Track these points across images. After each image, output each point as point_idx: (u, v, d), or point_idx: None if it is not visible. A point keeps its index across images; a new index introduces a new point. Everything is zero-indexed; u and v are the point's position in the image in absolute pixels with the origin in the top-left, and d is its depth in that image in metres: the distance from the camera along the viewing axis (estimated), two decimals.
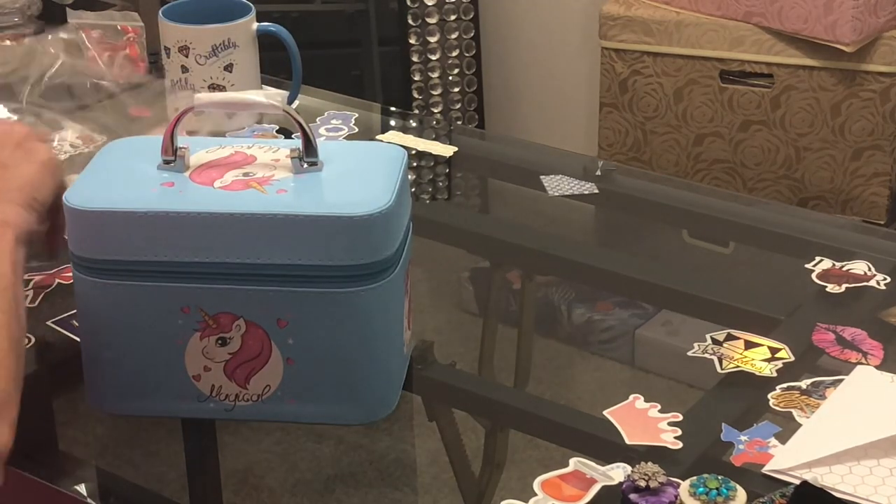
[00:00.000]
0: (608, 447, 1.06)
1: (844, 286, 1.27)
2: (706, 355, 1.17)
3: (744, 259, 1.45)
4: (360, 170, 1.07)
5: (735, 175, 2.51)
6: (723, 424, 1.07)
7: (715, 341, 1.19)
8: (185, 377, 1.06)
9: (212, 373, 1.06)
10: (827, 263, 1.31)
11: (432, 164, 1.56)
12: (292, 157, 1.07)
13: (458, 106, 2.93)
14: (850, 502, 0.98)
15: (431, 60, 2.89)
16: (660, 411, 1.10)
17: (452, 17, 2.88)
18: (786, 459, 1.02)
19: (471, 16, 2.89)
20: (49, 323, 1.23)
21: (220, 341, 1.04)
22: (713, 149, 2.51)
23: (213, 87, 1.53)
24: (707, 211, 1.50)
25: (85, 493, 1.03)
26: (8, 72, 1.61)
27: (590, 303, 1.33)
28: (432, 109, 2.90)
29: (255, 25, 1.55)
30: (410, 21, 2.86)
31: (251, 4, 1.56)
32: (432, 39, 2.88)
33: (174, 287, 1.03)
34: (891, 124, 2.37)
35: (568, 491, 1.01)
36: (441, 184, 1.58)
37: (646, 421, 1.08)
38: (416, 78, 2.89)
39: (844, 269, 1.30)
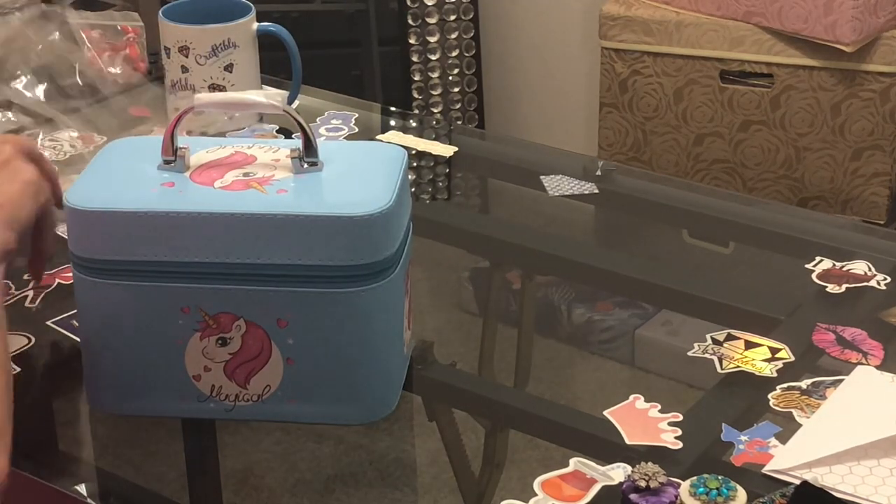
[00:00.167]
0: (608, 447, 1.06)
1: (844, 286, 1.27)
2: (706, 355, 1.17)
3: (744, 259, 1.45)
4: (360, 170, 1.07)
5: (735, 175, 2.51)
6: (723, 424, 1.07)
7: (715, 341, 1.19)
8: (185, 377, 1.06)
9: (212, 373, 1.06)
10: (827, 263, 1.31)
11: (432, 164, 1.56)
12: (292, 158, 1.07)
13: (458, 106, 2.93)
14: (851, 502, 0.98)
15: (431, 60, 2.89)
16: (660, 411, 1.10)
17: (452, 17, 2.88)
18: (786, 459, 1.02)
19: (471, 16, 2.89)
20: (49, 323, 1.23)
21: (220, 341, 1.04)
22: (713, 149, 2.51)
23: (213, 87, 1.53)
24: (707, 211, 1.50)
25: (85, 493, 1.03)
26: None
27: (590, 303, 1.33)
28: (432, 109, 2.90)
29: (255, 25, 1.55)
30: (410, 21, 2.86)
31: (251, 4, 1.56)
32: (432, 39, 2.88)
33: (174, 287, 1.03)
34: (891, 124, 2.37)
35: (568, 491, 1.01)
36: (441, 184, 1.58)
37: (646, 421, 1.08)
38: (416, 78, 2.89)
39: (844, 269, 1.30)
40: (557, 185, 1.48)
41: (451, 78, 2.91)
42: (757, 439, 1.06)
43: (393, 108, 1.75)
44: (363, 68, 2.92)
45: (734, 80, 2.46)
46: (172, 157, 1.07)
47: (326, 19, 2.94)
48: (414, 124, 1.68)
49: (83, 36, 1.66)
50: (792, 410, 1.09)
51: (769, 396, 1.11)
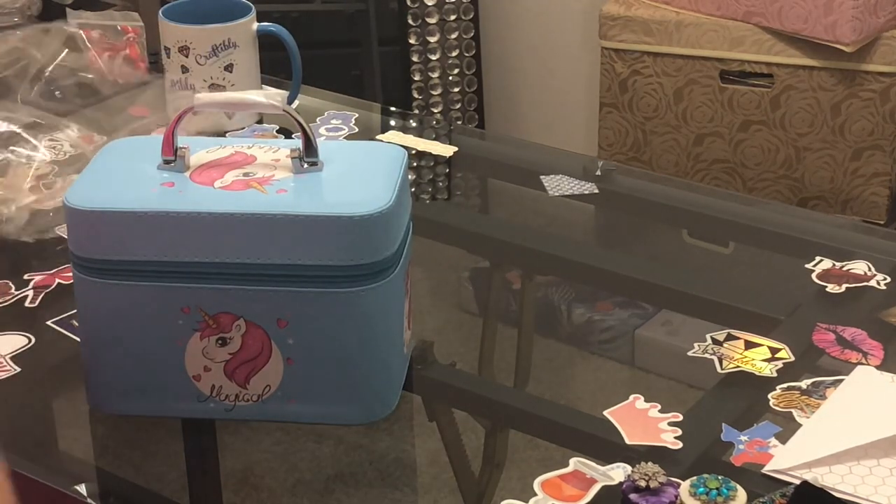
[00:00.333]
0: (608, 447, 1.06)
1: (844, 286, 1.27)
2: (706, 355, 1.17)
3: (744, 259, 1.45)
4: (360, 170, 1.07)
5: (735, 175, 2.51)
6: (723, 424, 1.07)
7: (715, 341, 1.19)
8: (185, 377, 1.06)
9: (212, 373, 1.06)
10: (827, 263, 1.31)
11: (432, 164, 1.56)
12: (292, 157, 1.07)
13: (458, 106, 2.93)
14: (850, 502, 0.98)
15: (431, 60, 2.89)
16: (660, 411, 1.10)
17: (452, 17, 2.88)
18: (786, 459, 1.02)
19: (471, 16, 2.89)
20: (49, 323, 1.23)
21: (220, 341, 1.04)
22: (713, 149, 2.51)
23: (213, 87, 1.53)
24: (707, 211, 1.50)
25: (85, 493, 1.03)
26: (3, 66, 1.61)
27: (590, 303, 1.33)
28: (432, 109, 2.90)
29: (255, 25, 1.55)
30: (410, 21, 2.86)
31: (251, 4, 1.56)
32: (432, 39, 2.88)
33: (174, 287, 1.03)
34: (891, 124, 2.37)
35: (568, 491, 1.01)
36: (441, 184, 1.58)
37: (646, 421, 1.08)
38: (416, 78, 2.89)
39: (844, 269, 1.30)
40: (557, 185, 1.48)
41: (451, 78, 2.90)
42: (757, 439, 1.06)
43: (393, 108, 1.75)
44: (363, 68, 2.92)
45: (734, 80, 2.46)
46: (172, 156, 1.07)
47: (326, 19, 2.94)
48: (414, 124, 1.68)
49: (83, 36, 1.66)
50: (792, 410, 1.09)
51: (769, 396, 1.11)
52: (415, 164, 1.55)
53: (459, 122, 2.89)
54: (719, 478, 0.98)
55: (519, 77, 3.04)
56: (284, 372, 1.05)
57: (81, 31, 1.66)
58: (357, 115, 1.63)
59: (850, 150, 2.41)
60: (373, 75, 2.90)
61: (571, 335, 1.30)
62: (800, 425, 1.07)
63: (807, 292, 1.27)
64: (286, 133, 1.55)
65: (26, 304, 1.26)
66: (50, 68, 1.61)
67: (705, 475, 0.98)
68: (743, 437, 1.06)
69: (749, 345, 1.18)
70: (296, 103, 1.57)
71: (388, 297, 1.05)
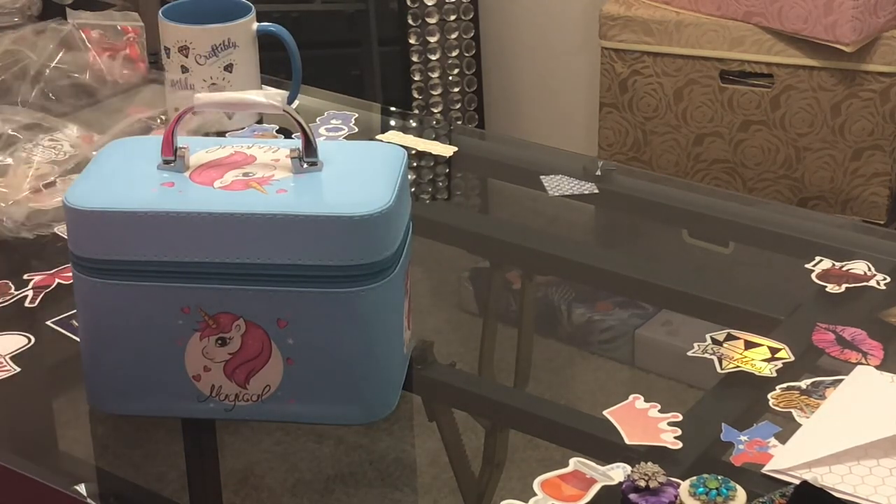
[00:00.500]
0: (608, 447, 1.06)
1: (844, 286, 1.27)
2: (706, 355, 1.17)
3: (744, 259, 1.45)
4: (360, 170, 1.07)
5: (735, 175, 2.51)
6: (723, 424, 1.07)
7: (715, 341, 1.19)
8: (184, 377, 1.06)
9: (212, 373, 1.06)
10: (827, 263, 1.31)
11: (432, 164, 1.56)
12: (292, 157, 1.07)
13: (458, 106, 2.93)
14: (850, 502, 0.98)
15: (431, 60, 2.89)
16: (660, 411, 1.10)
17: (452, 17, 2.88)
18: (786, 459, 1.02)
19: (471, 16, 2.89)
20: (49, 323, 1.23)
21: (219, 341, 1.04)
22: (713, 149, 2.51)
23: (213, 87, 1.53)
24: (707, 211, 1.50)
25: (85, 493, 1.03)
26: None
27: (590, 303, 1.33)
28: (432, 109, 2.90)
29: (255, 25, 1.55)
30: (410, 21, 2.86)
31: (251, 4, 1.56)
32: (432, 39, 2.88)
33: (174, 287, 1.03)
34: (891, 124, 2.37)
35: (568, 491, 1.01)
36: (441, 184, 1.58)
37: (646, 421, 1.08)
38: (416, 78, 2.89)
39: (844, 269, 1.30)
40: (557, 185, 1.48)
41: (451, 78, 2.90)
42: (757, 439, 1.06)
43: (393, 108, 1.75)
44: (363, 68, 2.92)
45: (734, 80, 2.46)
46: (172, 156, 1.07)
47: (326, 19, 2.94)
48: (414, 124, 1.68)
49: (83, 36, 1.66)
50: (792, 410, 1.09)
51: (769, 396, 1.11)
52: (415, 164, 1.55)
53: (459, 122, 2.89)
54: (719, 478, 0.98)
55: (519, 77, 3.04)
56: (284, 372, 1.05)
57: (81, 31, 1.66)
58: (357, 115, 1.63)
59: (850, 150, 2.41)
60: (373, 75, 2.90)
61: (571, 335, 1.30)
62: (800, 425, 1.07)
63: (807, 292, 1.27)
64: (286, 133, 1.55)
65: (26, 304, 1.26)
66: (49, 69, 1.61)
67: (705, 475, 0.98)
68: (743, 437, 1.06)
69: (749, 345, 1.18)
70: (296, 103, 1.57)
71: (388, 297, 1.05)
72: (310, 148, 1.07)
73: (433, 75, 2.89)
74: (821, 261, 1.31)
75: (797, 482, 0.97)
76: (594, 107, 2.71)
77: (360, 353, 1.04)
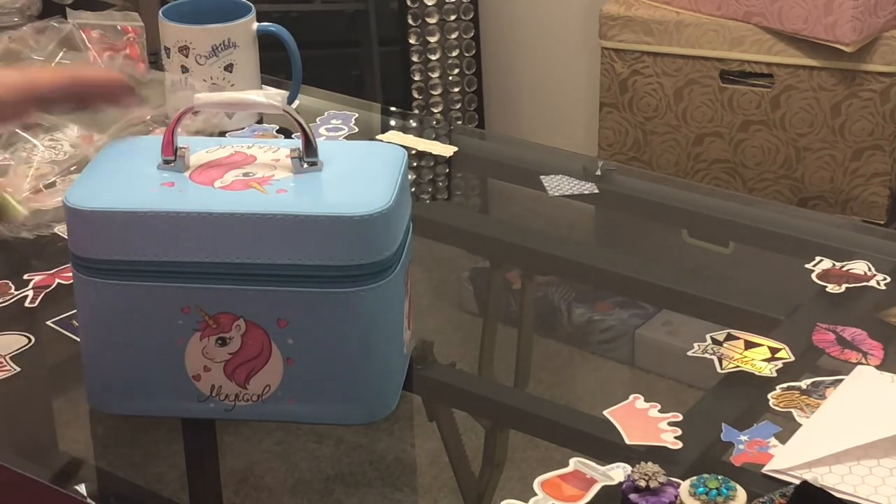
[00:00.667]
0: (608, 447, 1.06)
1: (844, 286, 1.27)
2: (706, 355, 1.17)
3: (744, 259, 1.45)
4: (360, 170, 1.07)
5: (735, 175, 2.51)
6: (723, 424, 1.07)
7: (715, 341, 1.19)
8: (184, 377, 1.06)
9: (212, 373, 1.06)
10: (827, 263, 1.31)
11: (432, 164, 1.56)
12: (292, 157, 1.07)
13: (458, 106, 2.93)
14: (850, 502, 0.98)
15: (431, 60, 2.89)
16: (660, 411, 1.10)
17: (452, 17, 2.88)
18: (786, 459, 1.02)
19: (471, 16, 2.89)
20: (49, 323, 1.23)
21: (220, 341, 1.04)
22: (713, 149, 2.51)
23: (213, 87, 1.53)
24: (707, 211, 1.50)
25: (85, 493, 1.03)
26: None
27: (590, 303, 1.32)
28: (432, 109, 2.90)
29: (255, 25, 1.55)
30: (410, 21, 2.86)
31: (251, 4, 1.56)
32: (432, 39, 2.88)
33: (174, 287, 1.03)
34: (891, 124, 2.37)
35: (568, 491, 1.01)
36: (441, 184, 1.58)
37: (646, 421, 1.08)
38: (416, 78, 2.89)
39: (844, 269, 1.30)
40: (557, 185, 1.48)
41: (451, 78, 2.90)
42: (757, 439, 1.06)
43: (393, 108, 1.75)
44: (363, 68, 2.92)
45: (734, 80, 2.46)
46: (172, 156, 1.07)
47: (326, 19, 2.94)
48: (414, 124, 1.68)
49: (83, 36, 1.66)
50: (792, 410, 1.09)
51: (769, 396, 1.11)
52: (415, 164, 1.55)
53: (459, 122, 2.89)
54: (719, 478, 0.98)
55: (519, 77, 3.04)
56: (284, 372, 1.05)
57: (81, 31, 1.65)
58: (357, 115, 1.63)
59: (850, 150, 2.41)
60: (373, 75, 2.90)
61: (571, 335, 1.30)
62: (800, 425, 1.07)
63: (807, 292, 1.27)
64: (286, 133, 1.55)
65: (26, 304, 1.26)
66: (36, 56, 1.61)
67: (705, 475, 0.98)
68: (743, 437, 1.06)
69: (749, 345, 1.18)
70: (296, 103, 1.57)
71: (388, 296, 1.05)
72: (310, 148, 1.07)
73: (433, 75, 2.89)
74: (821, 261, 1.31)
75: (797, 482, 0.97)
76: (594, 107, 2.71)
77: (360, 353, 1.04)
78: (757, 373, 1.14)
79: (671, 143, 2.54)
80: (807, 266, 1.30)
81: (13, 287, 1.28)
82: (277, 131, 1.57)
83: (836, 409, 1.08)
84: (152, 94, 1.64)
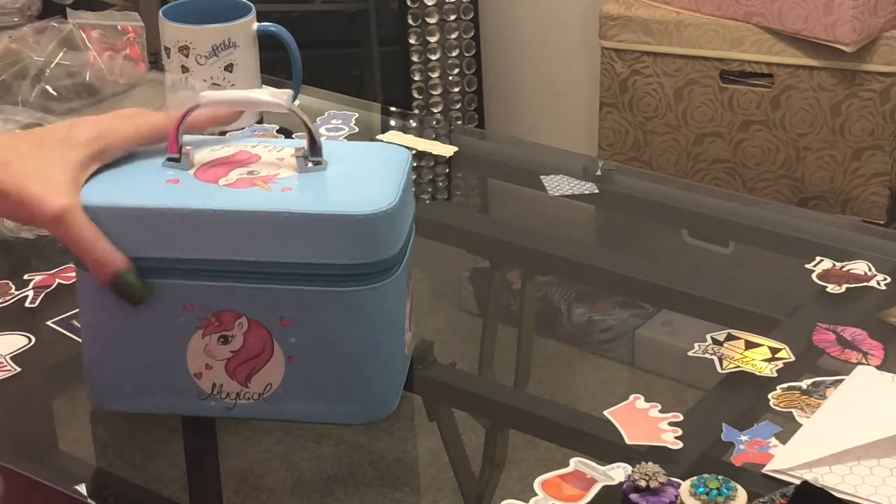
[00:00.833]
0: (608, 447, 1.06)
1: (844, 286, 1.27)
2: (706, 355, 1.17)
3: (744, 259, 1.45)
4: (364, 169, 1.07)
5: (735, 175, 2.51)
6: (723, 424, 1.07)
7: (715, 341, 1.19)
8: (186, 375, 1.06)
9: (213, 371, 1.06)
10: (827, 263, 1.31)
11: (432, 164, 1.56)
12: (297, 157, 1.07)
13: (458, 106, 2.93)
14: (851, 502, 0.98)
15: (431, 60, 2.89)
16: (660, 411, 1.10)
17: (452, 17, 2.88)
18: (786, 459, 1.02)
19: (471, 16, 2.89)
20: (49, 323, 1.23)
21: (221, 339, 1.04)
22: (713, 149, 2.51)
23: (214, 87, 1.53)
24: (707, 211, 1.50)
25: (85, 493, 1.03)
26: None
27: (590, 303, 1.32)
28: (432, 109, 2.90)
29: (255, 25, 1.55)
30: (410, 21, 2.86)
31: (251, 4, 1.56)
32: (432, 39, 2.88)
33: (178, 284, 1.03)
34: (891, 124, 2.38)
35: (568, 491, 1.01)
36: (441, 184, 1.58)
37: (646, 421, 1.08)
38: (416, 78, 2.89)
39: (844, 269, 1.30)
40: (557, 185, 1.48)
41: (451, 78, 2.91)
42: (757, 439, 1.06)
43: (393, 108, 1.75)
44: (363, 68, 2.92)
45: (734, 80, 2.46)
46: (177, 155, 1.07)
47: (326, 19, 2.94)
48: (414, 124, 1.68)
49: (83, 36, 1.66)
50: (792, 410, 1.09)
51: (769, 396, 1.11)
52: (415, 164, 1.55)
53: (459, 122, 2.89)
54: (719, 478, 0.98)
55: (519, 77, 3.04)
56: (286, 371, 1.05)
57: (81, 31, 1.66)
58: (357, 115, 1.63)
59: (850, 150, 2.41)
60: (373, 75, 2.90)
61: (571, 335, 1.30)
62: (800, 425, 1.07)
63: (807, 292, 1.27)
64: (286, 133, 1.55)
65: (26, 304, 1.26)
66: (49, 69, 1.61)
67: (705, 475, 0.98)
68: (743, 437, 1.06)
69: (749, 345, 1.18)
70: (296, 103, 1.57)
71: (391, 296, 1.05)
72: (314, 147, 1.06)
73: (433, 75, 2.89)
74: (821, 261, 1.31)
75: (798, 482, 0.97)
76: (594, 107, 2.71)
77: (362, 352, 1.04)
78: (757, 373, 1.14)
79: (671, 143, 2.54)
80: (807, 266, 1.30)
81: (13, 287, 1.28)
82: (277, 131, 1.57)
83: (837, 409, 1.08)
84: (152, 94, 1.64)
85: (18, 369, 1.17)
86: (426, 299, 1.32)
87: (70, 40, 1.65)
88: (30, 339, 1.21)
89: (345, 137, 1.57)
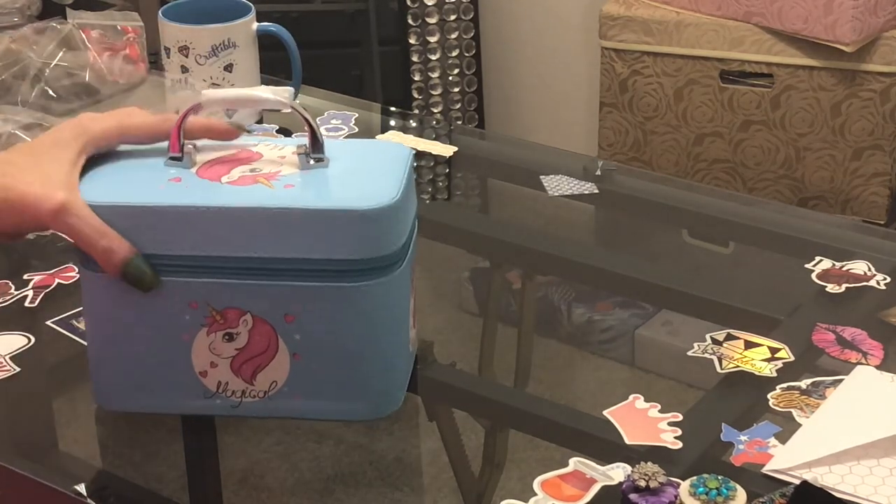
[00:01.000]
0: (608, 447, 1.06)
1: (844, 286, 1.27)
2: (706, 355, 1.17)
3: (744, 259, 1.45)
4: (366, 166, 1.07)
5: (735, 175, 2.51)
6: (723, 424, 1.07)
7: (715, 341, 1.19)
8: (191, 373, 1.06)
9: (218, 369, 1.05)
10: (827, 263, 1.31)
11: (432, 164, 1.57)
12: (299, 154, 1.07)
13: (458, 106, 2.93)
14: (850, 502, 0.98)
15: (431, 60, 2.89)
16: (660, 411, 1.10)
17: (452, 17, 2.88)
18: (786, 459, 1.02)
19: (471, 16, 2.89)
20: (49, 323, 1.23)
21: (227, 337, 1.04)
22: (713, 149, 2.51)
23: (213, 87, 1.53)
24: (707, 211, 1.50)
25: (85, 493, 1.03)
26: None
27: (590, 303, 1.33)
28: (432, 109, 2.90)
29: (255, 25, 1.55)
30: (410, 21, 2.86)
31: (251, 4, 1.56)
32: (432, 39, 2.88)
33: (183, 282, 1.03)
34: (891, 124, 2.38)
35: (568, 491, 1.01)
36: (441, 184, 1.58)
37: (646, 421, 1.08)
38: (416, 78, 2.89)
39: (844, 269, 1.30)
40: (557, 185, 1.48)
41: (451, 78, 2.91)
42: (757, 439, 1.06)
43: (393, 108, 1.75)
44: (363, 68, 2.92)
45: (734, 80, 2.46)
46: (179, 153, 1.07)
47: (326, 19, 2.94)
48: (414, 124, 1.68)
49: (83, 36, 1.66)
50: (792, 410, 1.09)
51: (769, 396, 1.11)
52: (415, 164, 1.55)
53: (459, 122, 2.89)
54: (719, 478, 0.98)
55: (519, 77, 3.04)
56: (291, 368, 1.05)
57: (81, 31, 1.66)
58: (357, 115, 1.63)
59: (850, 150, 2.41)
60: (373, 75, 2.90)
61: (571, 335, 1.30)
62: (800, 425, 1.07)
63: (807, 292, 1.27)
64: (286, 133, 1.55)
65: (26, 304, 1.26)
66: (49, 69, 1.61)
67: (705, 475, 0.98)
68: (743, 437, 1.06)
69: (749, 345, 1.18)
70: (296, 101, 1.57)
71: (394, 292, 1.05)
72: (317, 144, 1.07)
73: (433, 75, 2.89)
74: (821, 261, 1.31)
75: (797, 482, 0.97)
76: (594, 107, 2.71)
77: (366, 348, 1.04)
78: (757, 373, 1.14)
79: (671, 143, 2.54)
80: (807, 266, 1.30)
81: (13, 287, 1.28)
82: (277, 131, 1.57)
83: (836, 409, 1.08)
84: (152, 94, 1.64)
85: (18, 369, 1.17)
86: (426, 299, 1.32)
87: (70, 40, 1.65)
88: (29, 339, 1.21)
89: (344, 137, 1.57)
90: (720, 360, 1.16)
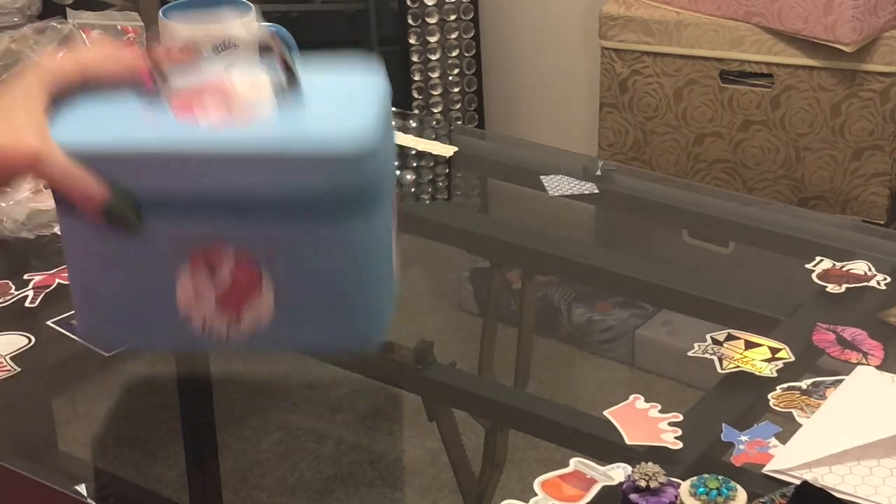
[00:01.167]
0: (608, 447, 1.06)
1: (844, 286, 1.27)
2: (706, 355, 1.17)
3: (744, 259, 1.45)
4: (343, 101, 1.07)
5: (735, 175, 2.51)
6: (723, 424, 1.07)
7: (715, 341, 1.19)
8: (176, 311, 1.05)
9: (203, 305, 1.05)
10: (827, 263, 1.31)
11: (432, 164, 1.56)
12: (275, 90, 1.06)
13: (458, 106, 2.93)
14: (851, 502, 0.98)
15: (431, 60, 2.89)
16: (660, 411, 1.09)
17: (452, 17, 2.88)
18: (786, 459, 1.02)
19: (471, 16, 2.89)
20: (49, 323, 1.23)
21: (210, 274, 1.04)
22: (713, 149, 2.51)
23: None
24: (707, 211, 1.50)
25: (85, 493, 1.03)
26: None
27: (590, 303, 1.33)
28: (432, 109, 2.90)
29: (255, 25, 1.55)
30: (410, 21, 2.86)
31: (251, 4, 1.56)
32: (432, 39, 2.88)
33: (164, 221, 1.03)
34: (891, 124, 2.37)
35: (568, 491, 1.01)
36: (441, 184, 1.58)
37: (646, 421, 1.08)
38: (416, 78, 2.89)
39: (844, 269, 1.30)
40: (557, 185, 1.48)
41: (451, 78, 2.90)
42: (757, 439, 1.05)
43: (393, 108, 1.75)
44: None
45: (734, 80, 2.46)
46: (152, 87, 1.06)
47: (326, 19, 2.94)
48: (414, 124, 1.68)
49: (83, 36, 1.66)
50: (792, 410, 1.09)
51: (769, 396, 1.11)
52: (415, 164, 1.55)
53: (459, 122, 2.89)
54: (719, 478, 0.98)
55: (519, 77, 3.04)
56: (276, 302, 1.04)
57: (81, 31, 1.65)
58: None
59: (850, 150, 2.41)
60: None
61: (571, 335, 1.30)
62: (800, 425, 1.07)
63: (807, 292, 1.27)
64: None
65: (26, 304, 1.26)
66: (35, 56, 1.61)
67: (705, 475, 0.98)
68: (743, 437, 1.06)
69: (749, 345, 1.18)
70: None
71: (377, 224, 1.05)
72: (292, 79, 1.06)
73: (433, 75, 2.89)
74: (821, 261, 1.31)
75: (797, 482, 0.97)
76: (594, 107, 2.71)
77: (350, 280, 1.04)
78: (757, 373, 1.14)
79: (671, 143, 2.54)
80: (807, 266, 1.30)
81: (13, 287, 1.28)
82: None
83: (837, 410, 1.08)
84: None
85: (18, 369, 1.17)
86: (426, 299, 1.32)
87: (70, 40, 1.65)
88: (30, 339, 1.21)
89: None
90: (720, 360, 1.16)
